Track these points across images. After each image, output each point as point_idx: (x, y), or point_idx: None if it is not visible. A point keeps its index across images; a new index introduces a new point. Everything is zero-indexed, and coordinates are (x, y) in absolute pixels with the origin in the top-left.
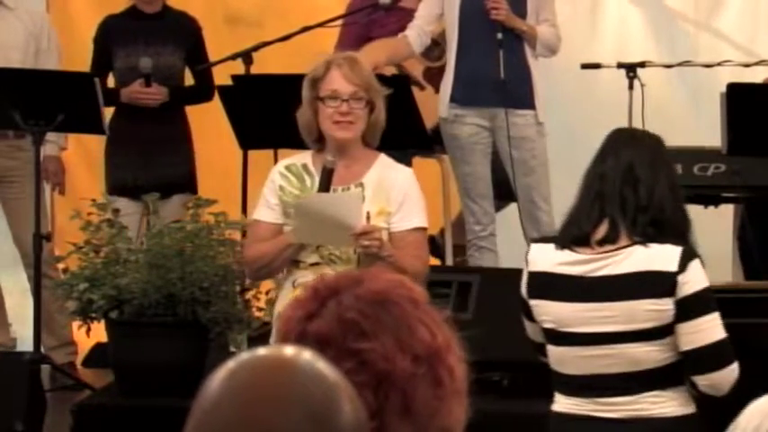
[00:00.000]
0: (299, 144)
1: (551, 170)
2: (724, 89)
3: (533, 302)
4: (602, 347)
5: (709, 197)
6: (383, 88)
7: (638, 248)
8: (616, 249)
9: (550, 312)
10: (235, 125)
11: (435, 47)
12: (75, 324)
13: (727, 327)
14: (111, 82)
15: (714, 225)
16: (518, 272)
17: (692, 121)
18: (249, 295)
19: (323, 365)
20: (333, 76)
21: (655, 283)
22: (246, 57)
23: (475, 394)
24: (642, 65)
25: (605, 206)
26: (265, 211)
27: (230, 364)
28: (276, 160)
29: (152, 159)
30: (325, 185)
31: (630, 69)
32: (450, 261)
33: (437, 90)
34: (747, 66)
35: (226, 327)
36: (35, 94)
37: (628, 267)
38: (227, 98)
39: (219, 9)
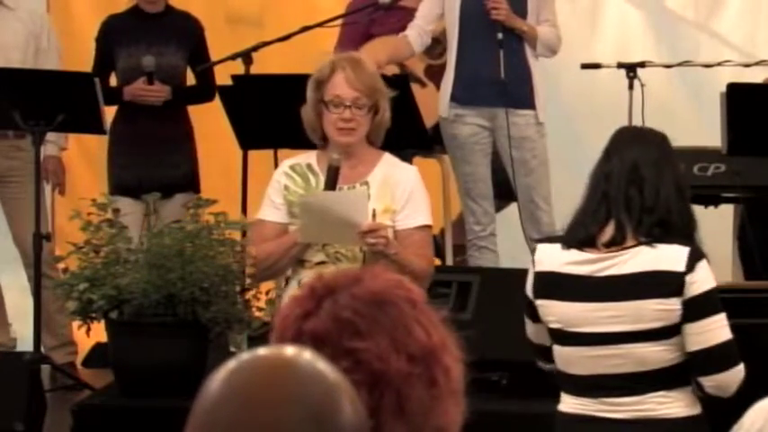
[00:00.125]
0: (298, 144)
1: (551, 170)
2: (724, 89)
3: (539, 302)
4: (609, 347)
5: (709, 197)
6: (388, 90)
7: (644, 248)
8: (622, 249)
9: (557, 312)
10: (235, 125)
11: (437, 45)
12: (75, 324)
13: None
14: (113, 81)
15: (714, 225)
16: (518, 272)
17: (692, 122)
18: (249, 295)
19: (323, 365)
20: (336, 81)
21: (662, 283)
22: (246, 57)
23: (474, 394)
24: (642, 65)
25: (611, 207)
26: (270, 210)
27: (230, 364)
28: (276, 160)
29: (155, 159)
30: (331, 184)
31: (630, 69)
32: (450, 261)
33: (438, 87)
34: (747, 66)
35: (226, 327)
36: (35, 94)
37: (635, 267)
38: (227, 98)
39: (220, 9)
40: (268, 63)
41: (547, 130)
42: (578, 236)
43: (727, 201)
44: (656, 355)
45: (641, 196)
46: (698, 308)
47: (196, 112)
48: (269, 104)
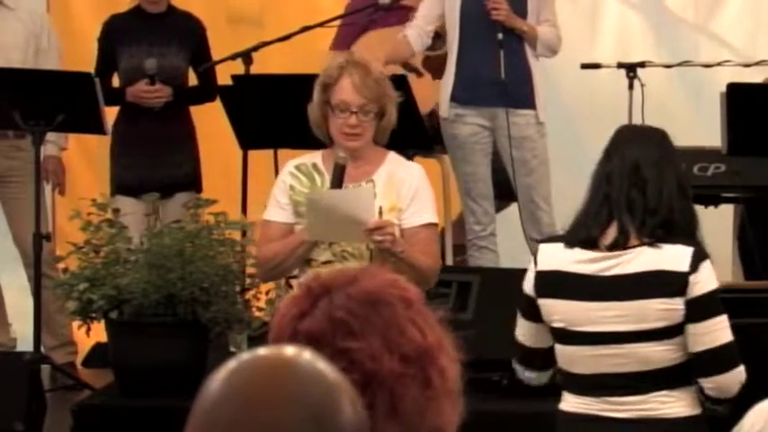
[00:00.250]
0: (298, 144)
1: (552, 170)
2: (724, 89)
3: (543, 301)
4: (612, 347)
5: (710, 197)
6: (395, 93)
7: (648, 248)
8: (626, 249)
9: (561, 311)
10: (235, 125)
11: (436, 38)
12: (75, 324)
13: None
14: (116, 81)
15: (714, 225)
16: (518, 272)
17: (691, 122)
18: (249, 295)
19: (323, 365)
20: (344, 86)
21: (666, 283)
22: (246, 57)
23: (474, 394)
24: (642, 65)
25: (613, 209)
26: (276, 211)
27: (230, 364)
28: (276, 160)
29: (158, 159)
30: (337, 182)
31: (630, 69)
32: (450, 261)
33: (435, 77)
34: (747, 66)
35: (226, 327)
36: (35, 94)
37: (639, 267)
38: (227, 98)
39: (220, 9)
40: (268, 63)
41: (547, 129)
42: (580, 236)
43: (727, 201)
44: (660, 354)
45: (644, 198)
46: (701, 308)
47: (196, 112)
48: (269, 104)
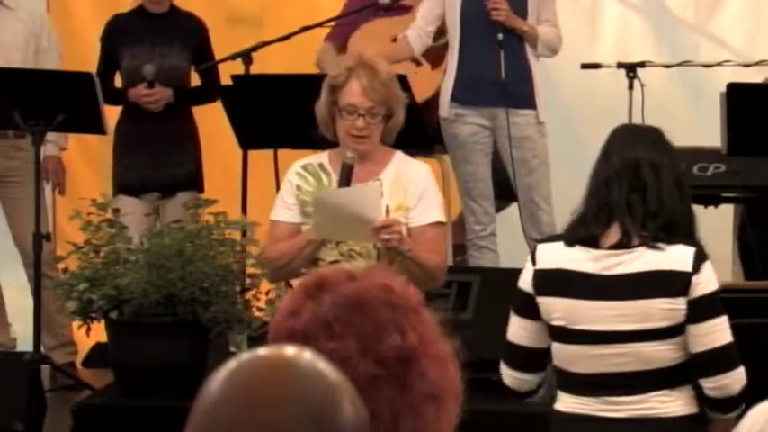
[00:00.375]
0: (298, 144)
1: (552, 170)
2: (724, 89)
3: (542, 299)
4: (614, 346)
5: (710, 197)
6: (403, 94)
7: (650, 248)
8: (628, 248)
9: (562, 309)
10: (235, 125)
11: (437, 31)
12: (75, 324)
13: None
14: (118, 81)
15: (714, 225)
16: (518, 272)
17: (691, 122)
18: (249, 295)
19: (323, 365)
20: (352, 88)
21: (669, 283)
22: (246, 57)
23: (474, 394)
24: (642, 65)
25: (613, 213)
26: (283, 211)
27: (230, 364)
28: (276, 160)
29: (160, 159)
30: (345, 182)
31: (630, 69)
32: (450, 261)
33: (433, 67)
34: (747, 66)
35: (226, 327)
36: (35, 94)
37: (641, 266)
38: (227, 98)
39: (220, 9)
40: (268, 63)
41: (547, 129)
42: (579, 235)
43: (727, 201)
44: (662, 353)
45: (644, 202)
46: (703, 309)
47: (196, 112)
48: (269, 104)
